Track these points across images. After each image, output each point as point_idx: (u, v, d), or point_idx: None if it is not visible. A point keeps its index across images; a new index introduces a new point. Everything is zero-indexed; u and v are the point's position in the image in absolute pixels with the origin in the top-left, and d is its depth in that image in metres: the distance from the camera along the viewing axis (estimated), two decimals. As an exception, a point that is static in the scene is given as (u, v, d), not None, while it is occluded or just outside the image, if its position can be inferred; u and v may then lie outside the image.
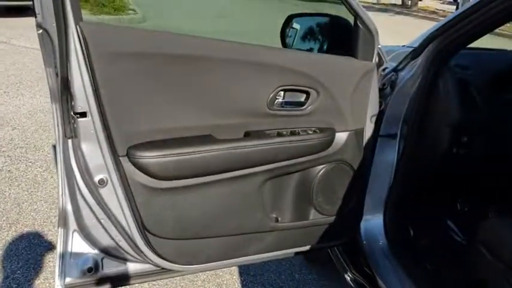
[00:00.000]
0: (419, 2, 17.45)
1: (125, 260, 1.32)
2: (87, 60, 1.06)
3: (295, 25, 1.73)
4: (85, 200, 1.19)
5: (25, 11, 7.57)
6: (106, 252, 1.28)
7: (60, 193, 1.20)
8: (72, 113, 1.12)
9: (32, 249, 2.16)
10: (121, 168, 1.17)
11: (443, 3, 20.10)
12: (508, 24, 1.68)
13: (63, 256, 1.22)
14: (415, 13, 15.74)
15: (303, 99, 1.34)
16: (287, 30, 1.73)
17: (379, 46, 1.41)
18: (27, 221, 2.36)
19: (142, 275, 1.37)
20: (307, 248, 1.54)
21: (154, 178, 1.20)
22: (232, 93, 1.24)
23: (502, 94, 1.69)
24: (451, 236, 1.80)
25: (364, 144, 1.47)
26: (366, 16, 1.33)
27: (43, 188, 2.68)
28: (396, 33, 8.61)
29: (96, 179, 1.17)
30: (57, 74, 1.09)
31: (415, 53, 1.49)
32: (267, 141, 1.29)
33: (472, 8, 1.28)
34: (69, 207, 1.21)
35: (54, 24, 1.03)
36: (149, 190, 1.21)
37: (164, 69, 1.14)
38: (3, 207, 2.46)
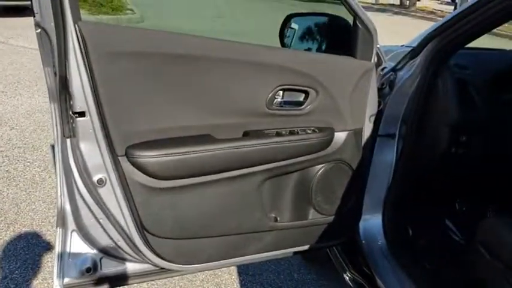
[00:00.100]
0: (417, 2, 17.46)
1: (123, 260, 1.31)
2: (85, 59, 1.06)
3: (294, 25, 1.72)
4: (84, 199, 1.19)
5: (23, 11, 7.56)
6: (105, 252, 1.27)
7: (59, 193, 1.20)
8: (70, 113, 1.12)
9: (30, 249, 2.15)
10: (120, 168, 1.17)
11: (441, 3, 20.12)
12: (506, 25, 1.68)
13: (61, 256, 1.22)
14: (413, 13, 15.76)
15: (302, 99, 1.34)
16: (286, 30, 1.72)
17: (378, 46, 1.41)
18: (26, 221, 2.36)
19: (141, 275, 1.37)
20: (306, 247, 1.54)
21: (153, 178, 1.20)
22: (231, 92, 1.23)
23: (501, 94, 1.70)
24: (450, 236, 1.80)
25: (363, 143, 1.47)
26: (365, 16, 1.33)
27: (41, 188, 2.68)
28: (394, 34, 8.62)
29: (95, 178, 1.17)
30: (55, 73, 1.09)
31: (414, 52, 1.49)
32: (266, 140, 1.29)
33: (470, 8, 1.29)
34: (67, 207, 1.21)
35: (53, 24, 1.03)
36: (148, 190, 1.21)
37: (163, 68, 1.13)
38: (1, 207, 2.45)
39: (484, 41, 1.62)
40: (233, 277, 2.10)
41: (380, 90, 1.50)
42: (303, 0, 9.93)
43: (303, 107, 1.34)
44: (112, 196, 1.19)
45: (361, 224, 1.62)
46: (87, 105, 1.09)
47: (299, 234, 1.50)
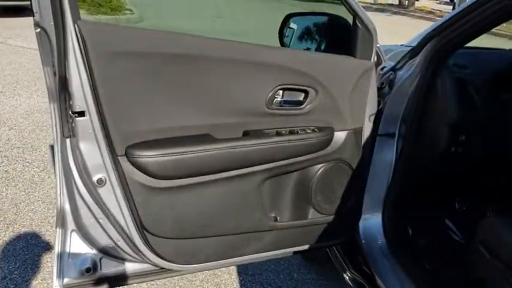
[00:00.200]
0: (416, 2, 17.47)
1: (123, 259, 1.31)
2: (85, 59, 1.05)
3: (293, 25, 1.72)
4: (83, 199, 1.19)
5: (23, 11, 7.55)
6: (104, 252, 1.27)
7: (58, 193, 1.20)
8: (70, 112, 1.11)
9: (29, 249, 2.15)
10: (119, 168, 1.16)
11: (440, 3, 20.13)
12: (504, 24, 1.69)
13: (61, 256, 1.22)
14: (412, 13, 15.76)
15: (301, 98, 1.34)
16: (285, 29, 1.72)
17: (378, 45, 1.41)
18: (25, 221, 2.35)
19: (141, 275, 1.37)
20: (306, 247, 1.54)
21: (152, 177, 1.20)
22: (230, 92, 1.23)
23: (500, 93, 1.70)
24: (450, 235, 1.80)
25: (362, 143, 1.47)
26: (365, 16, 1.33)
27: (40, 188, 2.68)
28: (393, 33, 8.62)
29: (95, 178, 1.17)
30: (55, 73, 1.09)
31: (413, 52, 1.49)
32: (265, 140, 1.29)
33: (468, 8, 1.29)
34: (67, 207, 1.21)
35: (52, 23, 1.02)
36: (148, 189, 1.21)
37: (162, 68, 1.13)
38: (0, 207, 2.45)
39: (483, 41, 1.62)
40: (233, 277, 2.10)
41: (380, 89, 1.50)
42: (302, 0, 9.93)
43: (302, 106, 1.34)
44: (112, 196, 1.19)
45: (361, 224, 1.62)
46: (86, 105, 1.09)
47: (299, 234, 1.50)
